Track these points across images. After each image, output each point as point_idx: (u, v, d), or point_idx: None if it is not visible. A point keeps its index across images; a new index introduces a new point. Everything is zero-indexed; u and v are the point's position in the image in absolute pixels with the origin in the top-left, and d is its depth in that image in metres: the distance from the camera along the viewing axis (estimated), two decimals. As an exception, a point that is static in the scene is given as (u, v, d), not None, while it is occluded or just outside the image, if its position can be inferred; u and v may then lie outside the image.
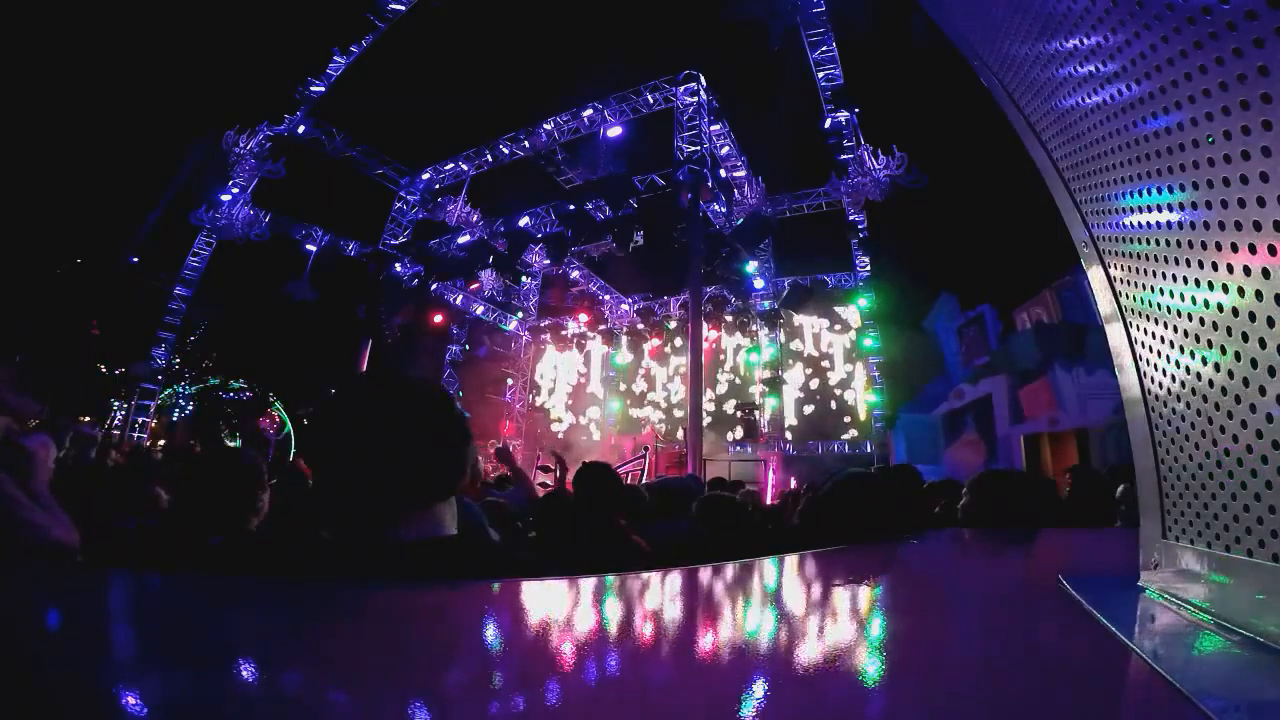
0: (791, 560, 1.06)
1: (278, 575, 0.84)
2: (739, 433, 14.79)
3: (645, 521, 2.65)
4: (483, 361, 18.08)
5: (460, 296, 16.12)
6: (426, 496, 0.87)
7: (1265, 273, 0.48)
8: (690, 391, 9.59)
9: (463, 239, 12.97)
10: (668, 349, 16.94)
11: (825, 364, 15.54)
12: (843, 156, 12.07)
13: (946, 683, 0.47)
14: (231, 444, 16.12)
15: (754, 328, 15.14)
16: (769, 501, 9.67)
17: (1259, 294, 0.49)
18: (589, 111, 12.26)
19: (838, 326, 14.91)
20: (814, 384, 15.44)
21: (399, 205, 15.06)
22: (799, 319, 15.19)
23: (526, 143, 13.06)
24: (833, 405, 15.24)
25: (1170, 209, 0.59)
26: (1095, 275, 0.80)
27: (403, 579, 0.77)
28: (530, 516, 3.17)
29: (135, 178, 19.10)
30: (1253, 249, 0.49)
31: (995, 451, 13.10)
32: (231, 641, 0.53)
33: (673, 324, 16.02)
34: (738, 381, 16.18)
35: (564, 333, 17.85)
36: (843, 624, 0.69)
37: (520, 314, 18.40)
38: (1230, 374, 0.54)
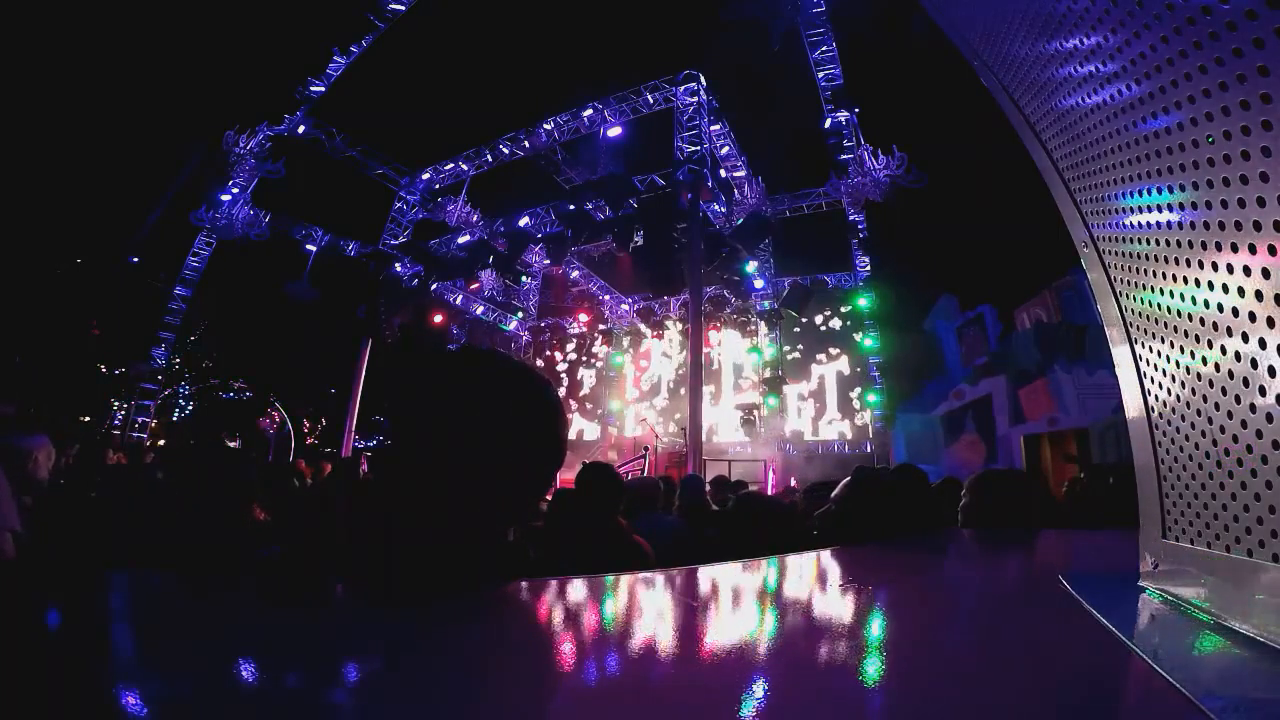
0: (791, 561, 1.06)
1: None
2: (741, 431, 14.82)
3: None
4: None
5: (460, 296, 16.11)
6: (517, 515, 0.72)
7: (1265, 273, 0.48)
8: (690, 391, 9.58)
9: (463, 239, 12.96)
10: (666, 349, 16.93)
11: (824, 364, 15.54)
12: (843, 156, 12.07)
13: (946, 682, 0.47)
14: (232, 444, 16.12)
15: (753, 328, 15.14)
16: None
17: (1259, 294, 0.49)
18: (589, 111, 12.24)
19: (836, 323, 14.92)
20: (824, 386, 15.43)
21: (399, 205, 15.05)
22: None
23: (526, 143, 13.05)
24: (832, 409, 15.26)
25: (1170, 209, 0.59)
26: (1095, 275, 0.80)
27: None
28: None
29: (135, 178, 19.10)
30: (1253, 249, 0.49)
31: (995, 451, 13.08)
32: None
33: (672, 324, 16.01)
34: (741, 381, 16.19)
35: (565, 332, 17.85)
36: (845, 623, 0.69)
37: (520, 314, 18.40)
38: (1230, 374, 0.54)
